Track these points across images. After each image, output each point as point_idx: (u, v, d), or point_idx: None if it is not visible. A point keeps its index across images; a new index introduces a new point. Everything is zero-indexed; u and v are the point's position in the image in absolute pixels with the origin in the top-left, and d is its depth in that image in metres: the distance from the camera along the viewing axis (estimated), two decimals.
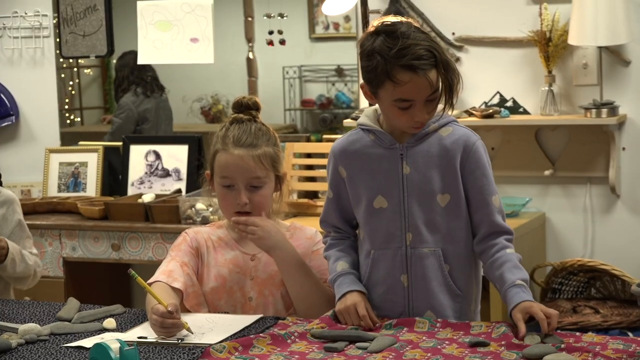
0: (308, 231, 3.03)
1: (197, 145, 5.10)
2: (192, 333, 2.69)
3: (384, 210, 2.77)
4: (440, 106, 2.72)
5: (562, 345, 2.46)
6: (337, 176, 2.84)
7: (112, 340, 2.52)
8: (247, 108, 2.99)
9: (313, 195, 4.93)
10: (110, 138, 5.70)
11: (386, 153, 2.76)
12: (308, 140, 5.15)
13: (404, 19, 2.70)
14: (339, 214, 2.89)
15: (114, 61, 5.91)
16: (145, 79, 5.79)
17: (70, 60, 5.72)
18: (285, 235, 2.95)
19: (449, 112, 2.74)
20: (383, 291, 2.79)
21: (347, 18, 5.33)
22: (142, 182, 5.19)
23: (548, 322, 2.53)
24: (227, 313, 2.94)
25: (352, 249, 2.89)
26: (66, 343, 2.70)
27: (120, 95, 5.83)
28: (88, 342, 2.66)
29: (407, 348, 2.51)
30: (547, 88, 4.68)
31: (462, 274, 2.78)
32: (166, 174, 5.16)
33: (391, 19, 2.70)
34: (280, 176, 2.98)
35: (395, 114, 2.70)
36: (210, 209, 4.57)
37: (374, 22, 2.72)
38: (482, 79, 4.86)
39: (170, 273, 2.92)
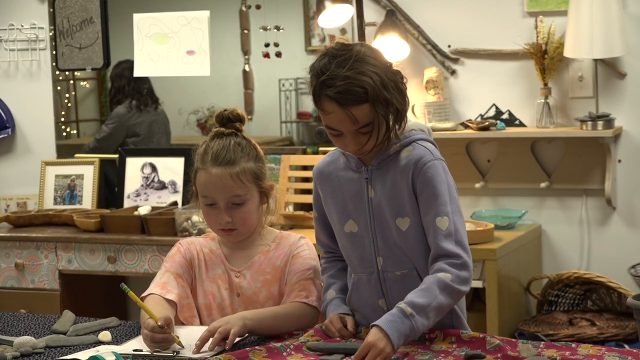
0: (292, 238, 3.01)
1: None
2: (183, 347, 2.68)
3: (355, 234, 2.76)
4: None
5: (558, 358, 2.45)
6: (318, 196, 2.85)
7: (107, 352, 2.52)
8: (229, 121, 2.95)
9: (309, 207, 4.93)
10: (95, 144, 5.70)
11: (354, 177, 2.74)
12: (304, 152, 5.15)
13: (364, 44, 2.66)
14: (326, 232, 2.88)
15: (109, 74, 5.91)
16: (141, 92, 5.79)
17: (67, 73, 5.72)
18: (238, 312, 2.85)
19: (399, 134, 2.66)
20: (364, 315, 2.78)
21: (343, 30, 5.32)
22: (138, 195, 5.19)
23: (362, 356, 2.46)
24: None
25: (342, 272, 2.89)
26: (61, 356, 2.70)
27: (114, 105, 5.83)
28: (83, 355, 2.66)
29: None
30: (543, 100, 4.68)
31: None
32: (162, 186, 5.15)
33: (351, 41, 2.66)
34: (265, 190, 2.95)
35: (331, 138, 2.68)
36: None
37: (334, 40, 2.67)
38: (478, 92, 4.87)
39: (164, 285, 2.92)
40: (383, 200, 2.69)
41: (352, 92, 2.55)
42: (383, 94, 2.57)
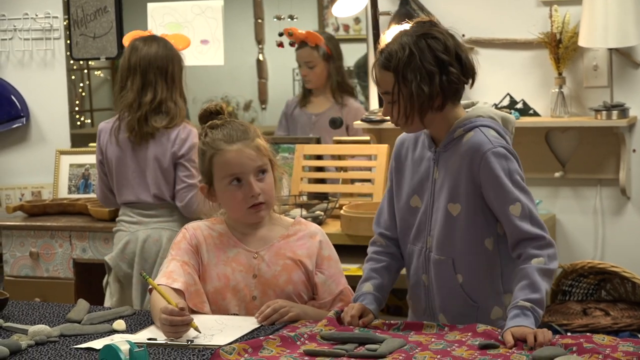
0: (311, 227, 3.01)
1: None
2: (200, 332, 2.69)
3: (418, 209, 2.81)
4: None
5: (574, 348, 2.45)
6: (392, 164, 2.90)
7: (121, 341, 2.53)
8: (218, 113, 2.98)
9: (323, 197, 4.92)
10: None
11: (427, 155, 2.80)
12: (318, 142, 5.14)
13: (439, 27, 2.74)
14: (392, 207, 2.90)
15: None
16: None
17: (81, 62, 5.73)
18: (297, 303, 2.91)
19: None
20: (412, 284, 2.86)
21: (357, 20, 5.31)
22: None
23: (537, 343, 2.49)
24: (235, 314, 2.93)
25: (385, 271, 2.90)
26: (76, 344, 2.71)
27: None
28: (98, 344, 2.67)
29: (417, 350, 2.51)
30: (557, 90, 4.67)
31: (478, 285, 2.76)
32: None
33: (421, 19, 2.76)
34: (275, 164, 2.98)
35: None
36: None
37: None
38: (493, 81, 4.86)
39: (170, 274, 2.92)
40: (442, 184, 2.75)
41: (383, 53, 2.69)
42: (405, 73, 2.65)
